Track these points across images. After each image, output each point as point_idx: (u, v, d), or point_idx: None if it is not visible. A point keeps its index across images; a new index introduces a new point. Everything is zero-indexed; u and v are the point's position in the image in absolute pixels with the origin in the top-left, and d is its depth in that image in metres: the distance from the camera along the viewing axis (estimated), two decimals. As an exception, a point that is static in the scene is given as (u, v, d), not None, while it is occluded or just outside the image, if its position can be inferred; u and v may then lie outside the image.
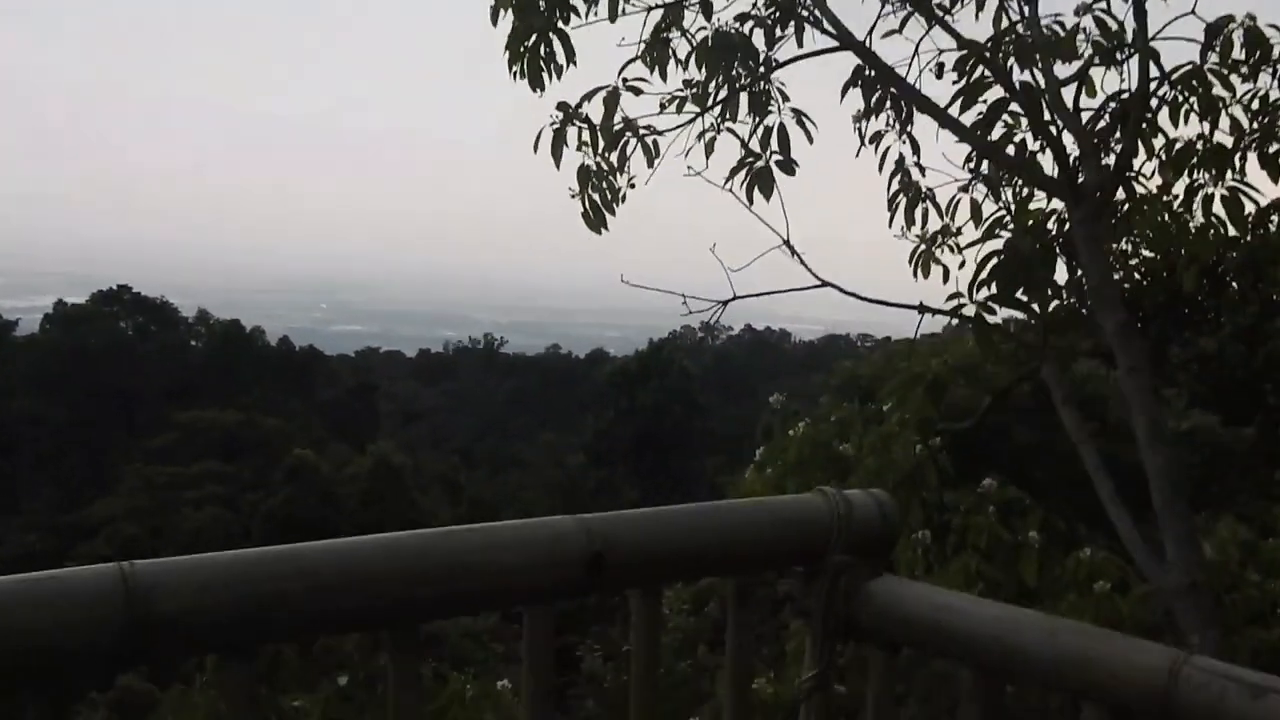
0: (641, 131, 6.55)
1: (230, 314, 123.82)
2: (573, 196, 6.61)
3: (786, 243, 6.04)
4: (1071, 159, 5.91)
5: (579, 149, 6.57)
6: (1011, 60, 6.09)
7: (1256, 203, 6.33)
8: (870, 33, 6.14)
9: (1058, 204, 6.29)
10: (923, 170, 6.68)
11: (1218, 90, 5.86)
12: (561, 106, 6.39)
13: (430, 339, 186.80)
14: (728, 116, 6.51)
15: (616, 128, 6.53)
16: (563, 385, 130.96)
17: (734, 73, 6.16)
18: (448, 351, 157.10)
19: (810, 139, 6.43)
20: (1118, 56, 5.99)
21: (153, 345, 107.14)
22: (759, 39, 6.22)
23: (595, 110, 6.33)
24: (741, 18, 6.21)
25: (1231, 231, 6.50)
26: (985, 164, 6.47)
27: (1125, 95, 6.03)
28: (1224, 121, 6.04)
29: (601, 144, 6.53)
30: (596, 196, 6.65)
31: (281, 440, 79.70)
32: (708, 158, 6.47)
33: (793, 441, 10.23)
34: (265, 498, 61.45)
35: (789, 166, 6.29)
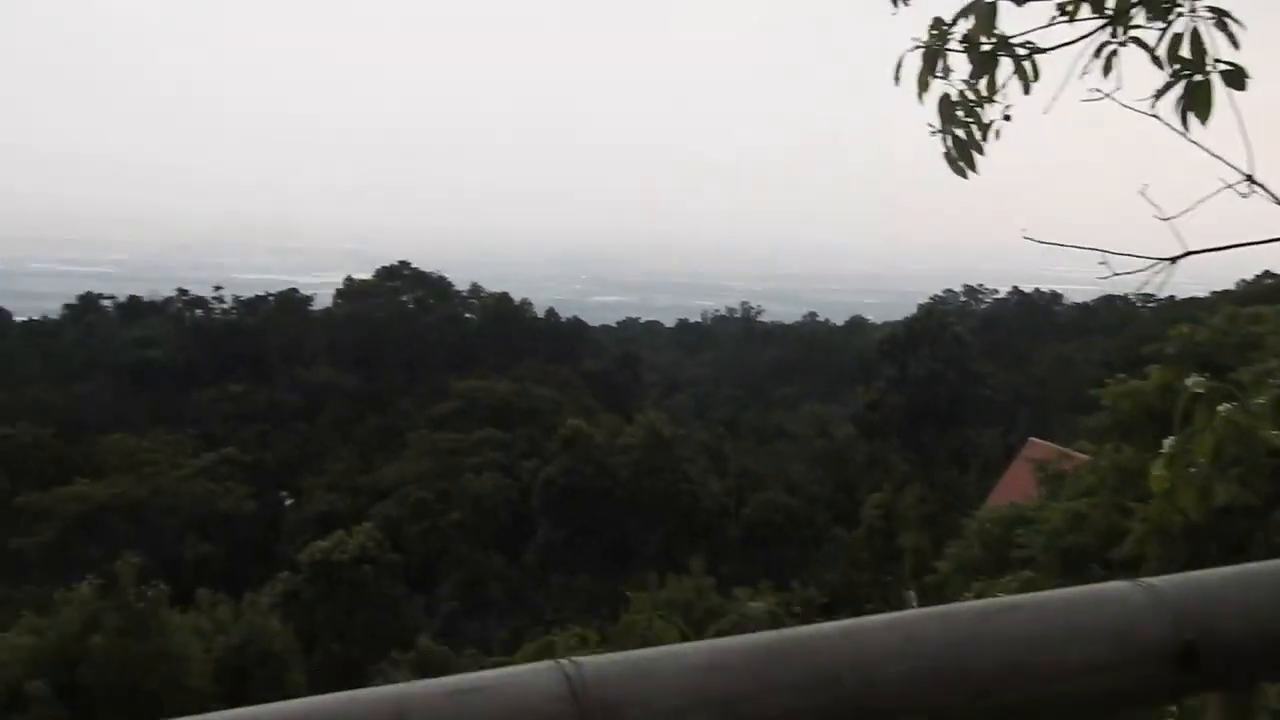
0: (1019, 51, 5.24)
1: (499, 287, 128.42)
2: (934, 134, 5.42)
3: (1249, 178, 4.55)
4: None
5: (941, 75, 5.36)
6: None
7: None
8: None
9: None
10: None
11: None
12: (937, 23, 5.19)
13: (687, 308, 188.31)
14: (1127, 23, 5.04)
15: (987, 47, 5.25)
16: (823, 354, 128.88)
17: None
18: (706, 321, 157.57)
19: (1235, 44, 4.90)
20: None
21: (432, 318, 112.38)
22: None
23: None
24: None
25: None
26: None
27: None
28: None
29: (970, 68, 5.28)
30: (962, 133, 5.40)
31: (553, 409, 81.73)
32: (1106, 75, 5.13)
33: (1211, 429, 8.59)
34: (542, 466, 62.86)
35: (1239, 79, 4.80)
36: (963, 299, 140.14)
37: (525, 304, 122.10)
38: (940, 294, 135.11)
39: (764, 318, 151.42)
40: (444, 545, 63.33)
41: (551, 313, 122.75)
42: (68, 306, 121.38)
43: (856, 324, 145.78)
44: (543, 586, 59.58)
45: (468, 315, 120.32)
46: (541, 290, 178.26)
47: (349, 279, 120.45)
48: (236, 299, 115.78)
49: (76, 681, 26.68)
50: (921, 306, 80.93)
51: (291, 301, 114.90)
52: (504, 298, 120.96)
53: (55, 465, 70.23)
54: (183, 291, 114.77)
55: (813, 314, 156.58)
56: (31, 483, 66.49)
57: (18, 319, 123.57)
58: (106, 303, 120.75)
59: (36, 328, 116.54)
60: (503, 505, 66.96)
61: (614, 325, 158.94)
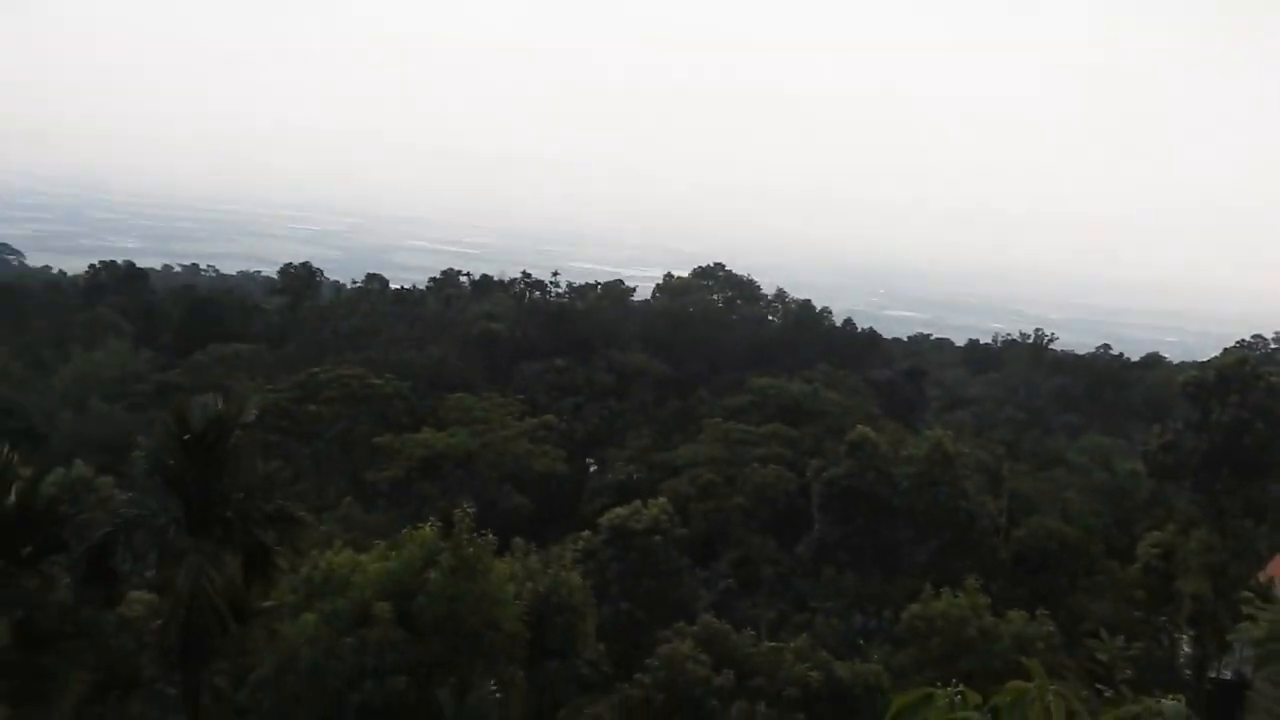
0: None
1: (802, 294, 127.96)
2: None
3: None
4: None
5: None
6: None
7: None
8: None
9: None
10: None
11: None
12: None
13: (979, 329, 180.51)
14: None
15: None
16: (1113, 387, 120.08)
17: None
18: (996, 343, 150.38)
19: None
20: None
21: (738, 316, 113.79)
22: None
23: None
24: None
25: None
26: None
27: None
28: None
29: None
30: None
31: (840, 413, 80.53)
32: None
33: None
34: (825, 465, 62.07)
35: None
36: (1273, 346, 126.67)
37: (825, 312, 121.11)
38: (1248, 339, 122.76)
39: (1056, 345, 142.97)
40: (725, 526, 63.91)
41: (849, 322, 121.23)
42: (432, 280, 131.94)
43: (1152, 360, 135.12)
44: (812, 577, 58.92)
45: (770, 317, 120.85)
46: (839, 299, 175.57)
47: (668, 275, 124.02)
48: (570, 285, 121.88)
49: (413, 610, 28.90)
50: (1229, 351, 73.64)
51: (615, 291, 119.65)
52: (806, 304, 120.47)
53: (409, 414, 76.29)
54: (525, 274, 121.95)
55: (1106, 346, 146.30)
56: (388, 427, 72.62)
57: (393, 287, 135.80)
58: (463, 279, 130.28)
59: (406, 295, 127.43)
60: (782, 496, 66.70)
61: (905, 339, 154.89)
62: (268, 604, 28.87)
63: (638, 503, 53.52)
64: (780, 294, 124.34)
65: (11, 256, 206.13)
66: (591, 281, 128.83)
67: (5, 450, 28.00)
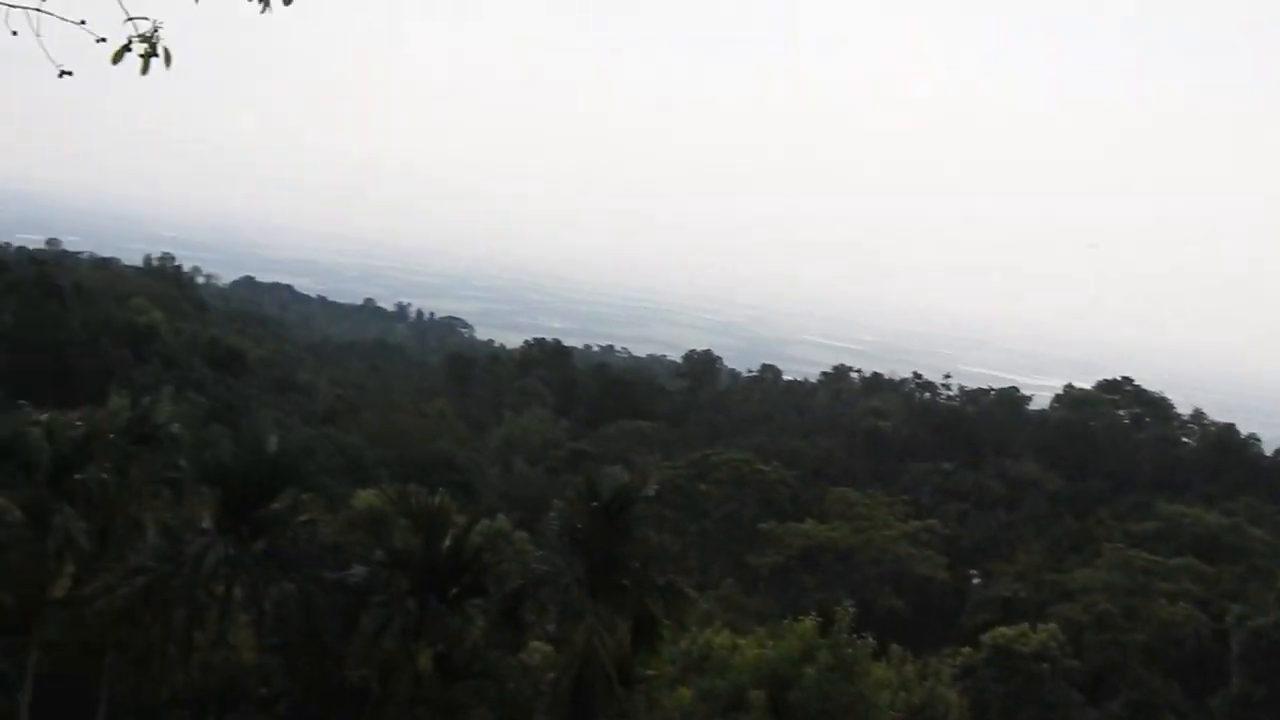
0: None
1: (1225, 418, 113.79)
2: None
3: None
4: None
5: None
6: None
7: None
8: None
9: None
10: None
11: None
12: None
13: None
14: None
15: None
16: None
17: None
18: None
19: None
20: None
21: (1146, 435, 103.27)
22: None
23: None
24: None
25: None
26: None
27: None
28: None
29: None
30: None
31: (1267, 553, 70.21)
32: None
33: None
34: (1250, 613, 53.92)
35: None
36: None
37: (1251, 439, 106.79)
38: None
39: None
40: (1122, 663, 57.23)
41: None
42: (823, 374, 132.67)
43: None
44: (1228, 737, 51.03)
45: (1184, 439, 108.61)
46: (1270, 426, 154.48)
47: (1069, 386, 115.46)
48: (961, 388, 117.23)
49: (788, 701, 28.23)
50: None
51: (1010, 399, 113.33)
52: (1228, 429, 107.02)
53: (793, 502, 76.24)
54: (917, 375, 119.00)
55: None
56: (772, 513, 72.93)
57: (785, 378, 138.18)
58: (854, 375, 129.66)
59: (797, 387, 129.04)
60: (1192, 639, 58.78)
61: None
62: (650, 672, 29.47)
63: (1025, 624, 49.40)
64: (1198, 414, 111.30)
65: (464, 329, 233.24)
66: (985, 387, 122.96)
67: (445, 499, 31.02)
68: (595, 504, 29.41)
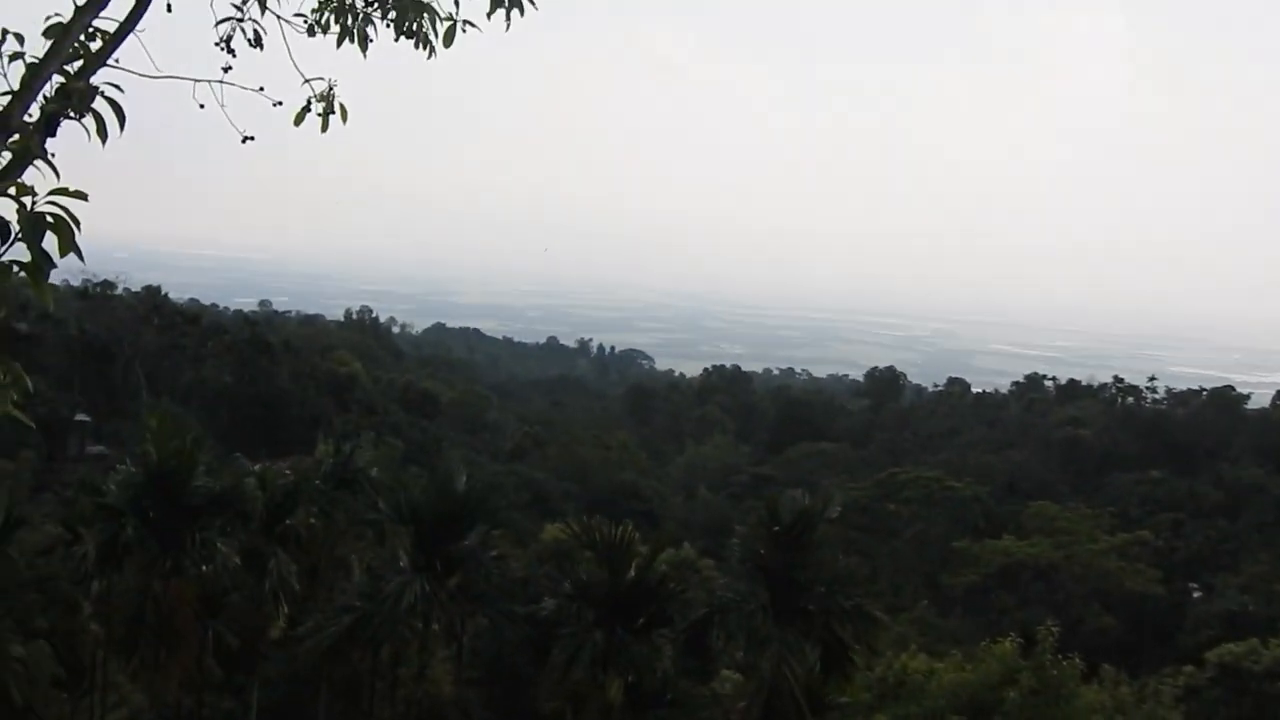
0: None
1: None
2: None
3: None
4: None
5: None
6: None
7: None
8: None
9: None
10: None
11: None
12: None
13: None
14: None
15: None
16: None
17: None
18: None
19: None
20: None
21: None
22: None
23: None
24: None
25: None
26: None
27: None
28: None
29: None
30: None
31: None
32: None
33: None
34: None
35: None
36: None
37: None
38: None
39: None
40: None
41: None
42: (1015, 384, 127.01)
43: None
44: None
45: None
46: None
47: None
48: (1169, 390, 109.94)
49: (988, 728, 26.90)
50: None
51: (1225, 399, 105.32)
52: None
53: (987, 519, 73.09)
54: (1118, 379, 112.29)
55: None
56: (965, 531, 70.11)
57: (974, 391, 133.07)
58: (1048, 383, 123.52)
59: (986, 400, 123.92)
60: None
61: None
62: (842, 699, 28.71)
63: (1254, 640, 45.41)
64: None
65: (644, 360, 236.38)
66: (1195, 387, 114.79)
67: (629, 529, 31.30)
68: (777, 528, 29.03)
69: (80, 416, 71.77)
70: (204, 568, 31.54)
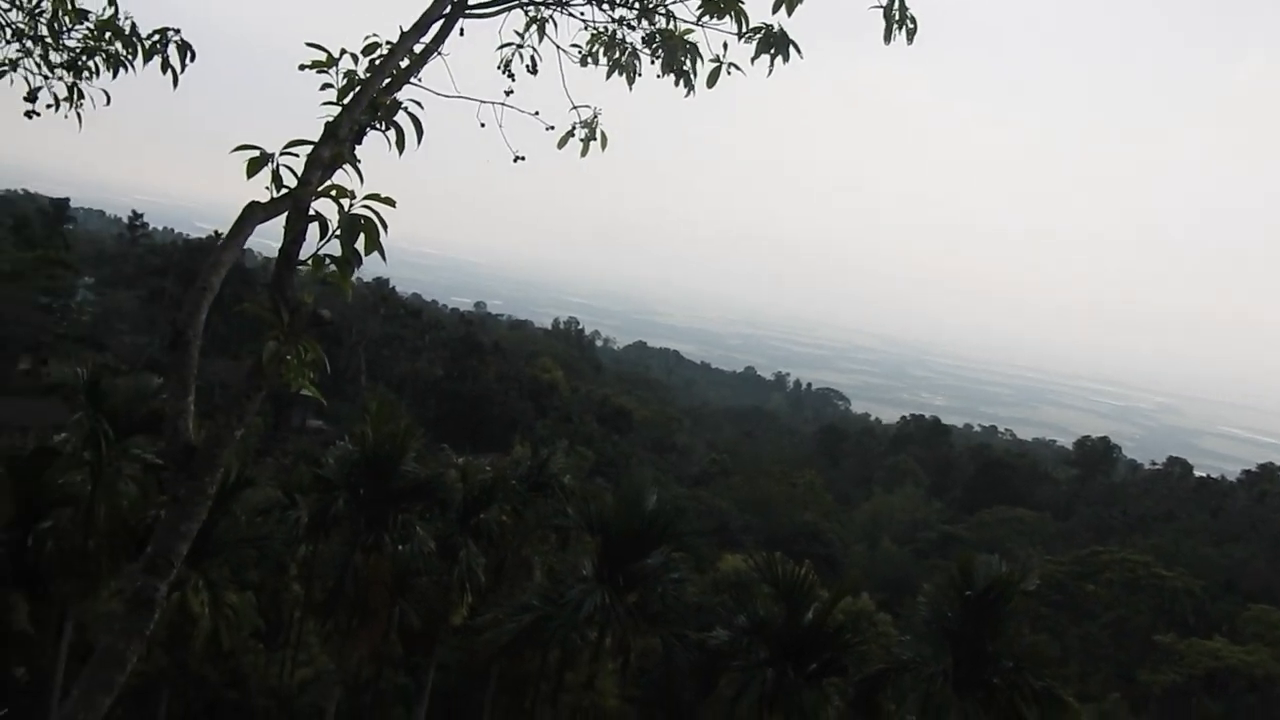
0: None
1: None
2: None
3: None
4: None
5: None
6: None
7: None
8: None
9: None
10: None
11: None
12: None
13: None
14: None
15: None
16: None
17: None
18: None
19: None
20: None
21: None
22: None
23: None
24: None
25: None
26: None
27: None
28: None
29: None
30: None
31: None
32: None
33: None
34: None
35: None
36: None
37: None
38: None
39: None
40: None
41: None
42: (1245, 471, 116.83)
43: None
44: None
45: None
46: None
47: None
48: None
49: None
50: None
51: None
52: None
53: (1197, 615, 67.52)
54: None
55: None
56: (1171, 625, 65.02)
57: (1197, 474, 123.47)
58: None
59: (1210, 485, 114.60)
60: None
61: None
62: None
63: None
64: None
65: (840, 402, 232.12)
66: None
67: (810, 571, 30.85)
68: (968, 593, 27.91)
69: (305, 391, 77.13)
70: (400, 547, 33.29)
